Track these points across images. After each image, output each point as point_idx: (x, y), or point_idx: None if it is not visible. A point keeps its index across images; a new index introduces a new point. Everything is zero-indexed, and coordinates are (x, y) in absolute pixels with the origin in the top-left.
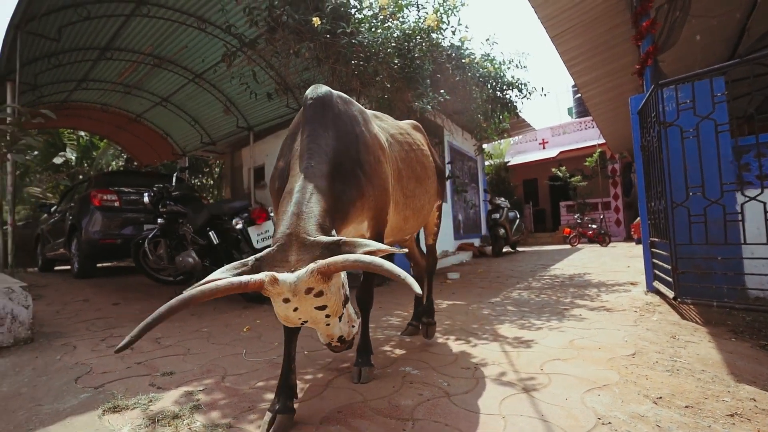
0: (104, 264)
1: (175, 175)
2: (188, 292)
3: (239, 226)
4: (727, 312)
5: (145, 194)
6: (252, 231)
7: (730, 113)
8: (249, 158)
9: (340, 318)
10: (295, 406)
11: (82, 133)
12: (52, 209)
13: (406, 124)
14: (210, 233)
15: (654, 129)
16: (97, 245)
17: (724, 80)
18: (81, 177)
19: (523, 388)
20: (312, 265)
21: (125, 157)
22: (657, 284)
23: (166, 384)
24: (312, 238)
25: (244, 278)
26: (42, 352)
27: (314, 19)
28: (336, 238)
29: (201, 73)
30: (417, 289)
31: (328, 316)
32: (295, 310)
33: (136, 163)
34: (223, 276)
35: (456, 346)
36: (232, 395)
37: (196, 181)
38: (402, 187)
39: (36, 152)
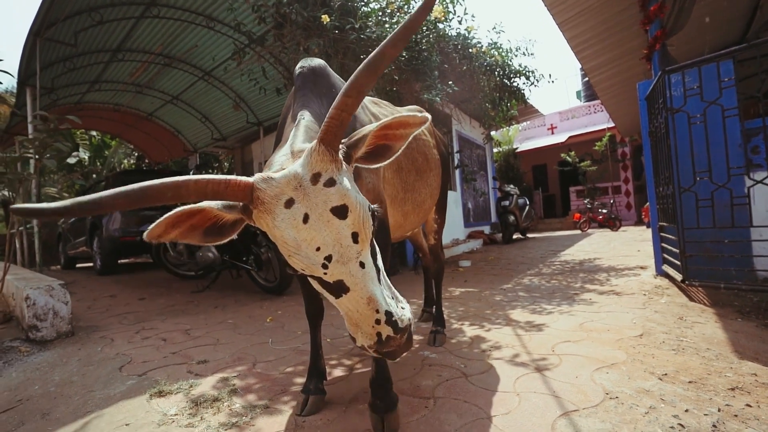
0: (123, 260)
1: (191, 173)
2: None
3: None
4: (735, 293)
5: None
6: None
7: (740, 94)
8: (259, 153)
9: (378, 272)
10: (325, 388)
11: (94, 133)
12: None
13: (406, 110)
14: None
15: (661, 115)
16: (118, 242)
17: (733, 63)
18: (95, 176)
19: (536, 368)
20: (312, 142)
21: (136, 155)
22: (666, 268)
23: (203, 371)
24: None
25: (228, 176)
26: (83, 345)
27: (323, 16)
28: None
29: (210, 70)
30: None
31: (356, 236)
32: (306, 220)
33: (147, 161)
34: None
35: (471, 330)
36: (265, 380)
37: (201, 172)
38: (402, 180)
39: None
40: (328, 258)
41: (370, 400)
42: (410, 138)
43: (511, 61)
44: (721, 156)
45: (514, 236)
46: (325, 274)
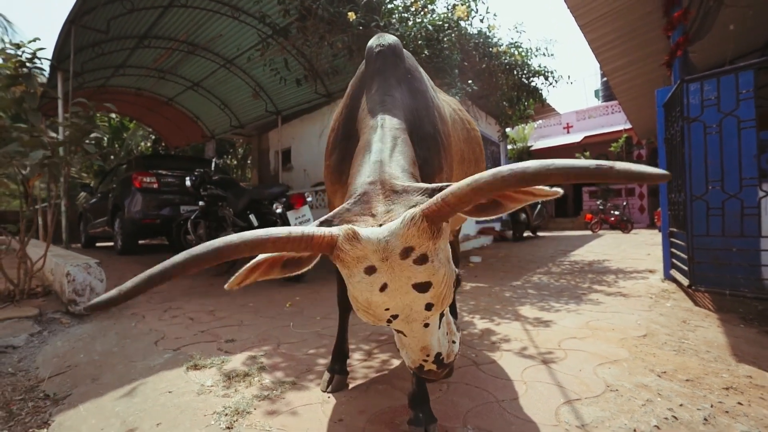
0: (142, 242)
1: (213, 160)
2: (218, 242)
3: (279, 210)
4: (740, 301)
5: (187, 178)
6: (290, 215)
7: (758, 105)
8: (276, 141)
9: (441, 317)
10: (348, 369)
11: (113, 115)
12: (94, 189)
13: (453, 100)
14: (250, 216)
15: (678, 123)
16: (139, 224)
17: (753, 74)
18: (112, 157)
19: (542, 360)
20: (414, 210)
21: (153, 138)
22: (674, 272)
23: (232, 349)
24: (405, 184)
25: (309, 229)
26: (117, 321)
27: (349, 13)
28: (437, 184)
29: (232, 59)
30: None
31: (430, 306)
32: (384, 289)
33: (163, 144)
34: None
35: (481, 324)
36: (290, 360)
37: (220, 161)
38: (464, 171)
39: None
40: (395, 316)
41: (410, 416)
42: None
43: (530, 60)
44: (735, 166)
45: (525, 234)
46: (389, 322)
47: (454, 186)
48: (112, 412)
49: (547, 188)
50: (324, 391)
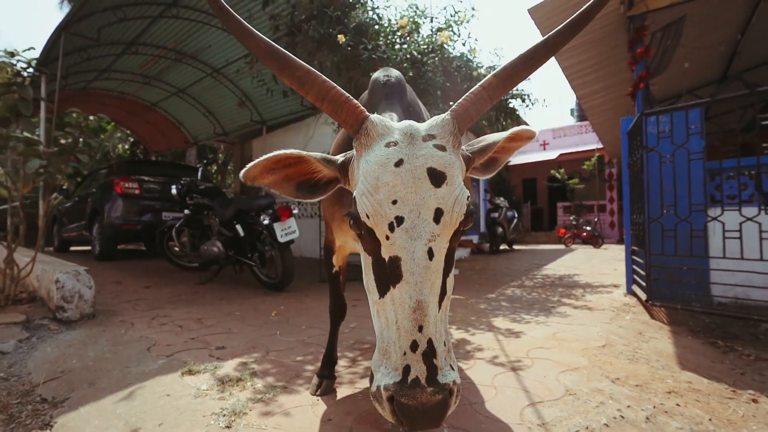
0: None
1: (200, 169)
2: None
3: (266, 221)
4: (691, 315)
5: (173, 186)
6: (277, 226)
7: (720, 129)
8: (260, 150)
9: (446, 274)
10: (335, 374)
11: (91, 117)
12: (70, 193)
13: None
14: (237, 226)
15: (638, 151)
16: (119, 229)
17: (700, 112)
18: (87, 159)
19: (512, 368)
20: (443, 114)
21: (131, 141)
22: (635, 288)
23: (223, 355)
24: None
25: (347, 96)
26: (106, 327)
27: (339, 36)
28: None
29: (220, 68)
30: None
31: (439, 216)
32: (399, 164)
33: (142, 147)
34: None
35: (457, 334)
36: (279, 366)
37: (210, 166)
38: None
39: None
40: (399, 220)
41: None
42: (514, 153)
43: None
44: (685, 193)
45: (501, 247)
46: (387, 238)
47: (472, 90)
48: (114, 413)
49: (529, 128)
50: (313, 395)
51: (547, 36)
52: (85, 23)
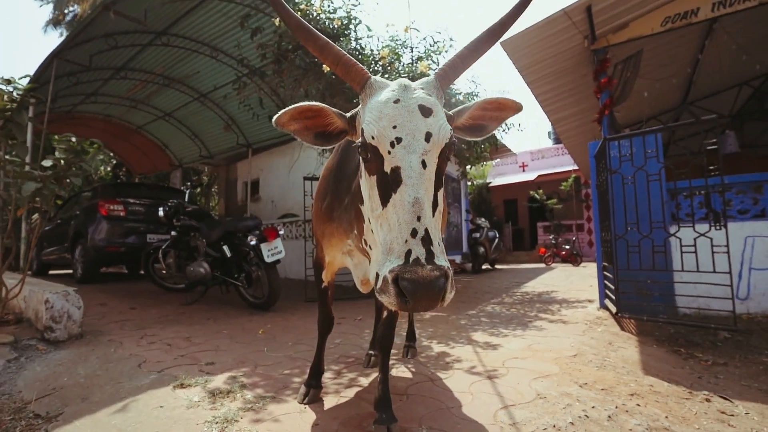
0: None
1: (188, 192)
2: None
3: (253, 242)
4: (659, 325)
5: (160, 208)
6: (263, 247)
7: (687, 150)
8: (245, 172)
9: (437, 187)
10: (321, 384)
11: (74, 138)
12: (51, 215)
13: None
14: (224, 247)
15: (604, 173)
16: (103, 252)
17: (654, 138)
18: (68, 180)
19: (488, 376)
20: (430, 76)
21: (114, 163)
22: (607, 302)
23: (213, 370)
24: None
25: (353, 61)
26: (95, 347)
27: (324, 66)
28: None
29: (207, 93)
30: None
31: (429, 136)
32: (396, 102)
33: (125, 169)
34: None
35: (438, 347)
36: (268, 379)
37: (196, 189)
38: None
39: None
40: (398, 140)
41: (376, 417)
42: (503, 122)
43: None
44: (646, 211)
45: (483, 267)
46: (389, 153)
47: (449, 60)
48: (109, 425)
49: (514, 100)
50: (301, 403)
51: (498, 19)
52: (77, 50)
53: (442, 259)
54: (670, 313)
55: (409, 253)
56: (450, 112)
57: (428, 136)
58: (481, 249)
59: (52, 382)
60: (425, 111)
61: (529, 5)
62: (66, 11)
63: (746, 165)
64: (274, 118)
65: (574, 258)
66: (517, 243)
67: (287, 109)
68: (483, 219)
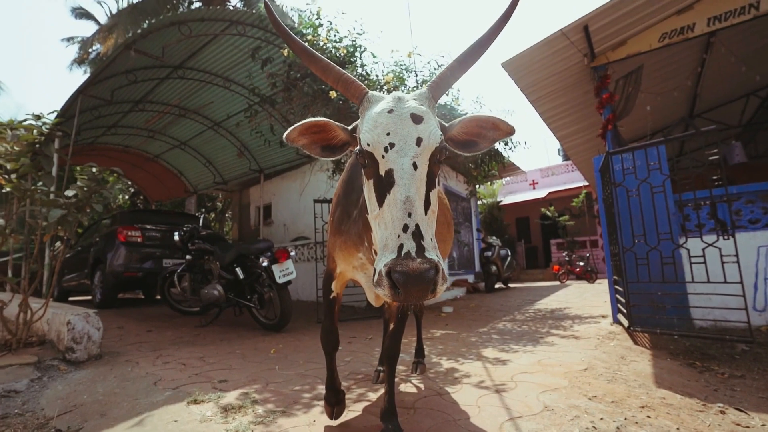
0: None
1: (202, 216)
2: None
3: (265, 263)
4: (674, 339)
5: (176, 233)
6: (275, 268)
7: (697, 161)
8: (258, 197)
9: (429, 188)
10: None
11: (95, 168)
12: (73, 243)
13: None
14: (236, 269)
15: (609, 187)
16: (121, 277)
17: (656, 150)
18: (88, 210)
19: (496, 390)
20: (423, 88)
21: (132, 191)
22: (620, 317)
23: (225, 387)
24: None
25: (352, 78)
26: (113, 366)
27: (331, 92)
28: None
29: (220, 122)
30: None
31: (420, 141)
32: (390, 112)
33: (142, 197)
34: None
35: (447, 364)
36: (279, 395)
37: (210, 215)
38: (439, 232)
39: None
40: (392, 145)
41: (382, 428)
42: (495, 143)
43: None
44: (653, 222)
45: (497, 285)
46: (383, 157)
47: (440, 72)
48: None
49: (507, 123)
50: (330, 418)
51: (485, 32)
52: (100, 86)
53: (432, 253)
54: (685, 326)
55: (401, 247)
56: (445, 124)
57: (419, 141)
58: (494, 267)
59: (72, 399)
60: (416, 119)
61: (511, 18)
62: (90, 50)
63: (760, 175)
64: (285, 134)
65: (588, 275)
66: (531, 261)
67: (296, 125)
68: (494, 237)
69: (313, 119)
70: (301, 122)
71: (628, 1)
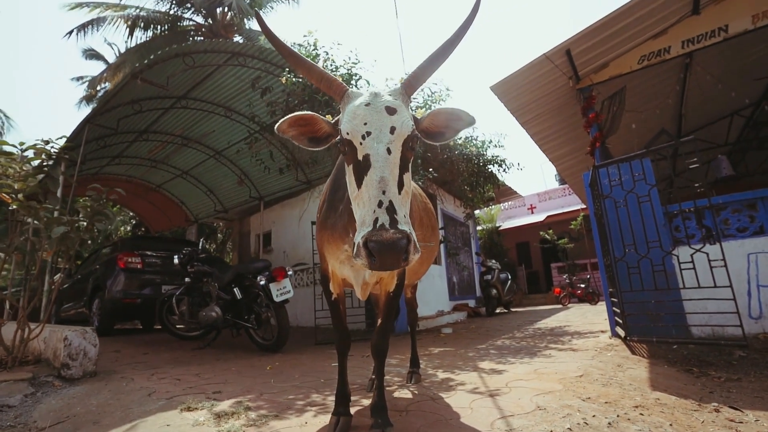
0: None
1: (201, 241)
2: None
3: (262, 282)
4: (672, 348)
5: (175, 256)
6: (273, 287)
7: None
8: (258, 225)
9: (403, 171)
10: (322, 405)
11: (93, 197)
12: (71, 272)
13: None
14: (234, 289)
15: (598, 200)
16: (120, 304)
17: (641, 162)
18: (89, 242)
19: (489, 394)
20: (397, 86)
21: (134, 222)
22: (618, 329)
23: (219, 397)
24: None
25: (333, 77)
26: (108, 382)
27: (327, 116)
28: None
29: (221, 150)
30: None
31: (393, 130)
32: (367, 105)
33: (144, 228)
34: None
35: (443, 374)
36: (272, 403)
37: (208, 242)
38: (423, 234)
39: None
40: (368, 133)
41: (371, 422)
42: (459, 133)
43: (485, 151)
44: (641, 232)
45: (498, 309)
46: (360, 144)
47: (413, 71)
48: None
49: (468, 113)
50: None
51: (452, 34)
52: (107, 115)
53: (404, 225)
54: (682, 334)
55: (376, 221)
56: (417, 117)
57: (392, 130)
58: (494, 291)
59: (65, 411)
60: (390, 110)
61: (474, 20)
62: (98, 88)
63: (749, 188)
64: (276, 125)
65: (590, 296)
66: (532, 286)
67: (285, 117)
68: (494, 261)
69: (300, 113)
70: (291, 115)
71: (607, 26)
